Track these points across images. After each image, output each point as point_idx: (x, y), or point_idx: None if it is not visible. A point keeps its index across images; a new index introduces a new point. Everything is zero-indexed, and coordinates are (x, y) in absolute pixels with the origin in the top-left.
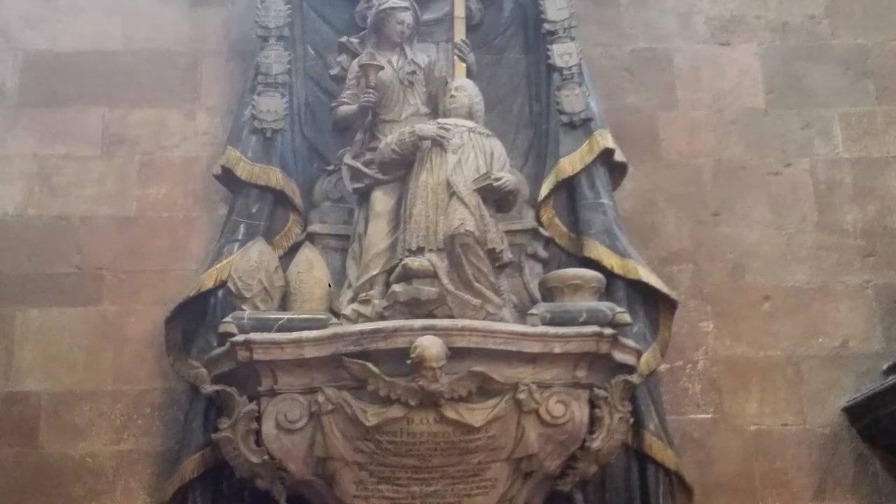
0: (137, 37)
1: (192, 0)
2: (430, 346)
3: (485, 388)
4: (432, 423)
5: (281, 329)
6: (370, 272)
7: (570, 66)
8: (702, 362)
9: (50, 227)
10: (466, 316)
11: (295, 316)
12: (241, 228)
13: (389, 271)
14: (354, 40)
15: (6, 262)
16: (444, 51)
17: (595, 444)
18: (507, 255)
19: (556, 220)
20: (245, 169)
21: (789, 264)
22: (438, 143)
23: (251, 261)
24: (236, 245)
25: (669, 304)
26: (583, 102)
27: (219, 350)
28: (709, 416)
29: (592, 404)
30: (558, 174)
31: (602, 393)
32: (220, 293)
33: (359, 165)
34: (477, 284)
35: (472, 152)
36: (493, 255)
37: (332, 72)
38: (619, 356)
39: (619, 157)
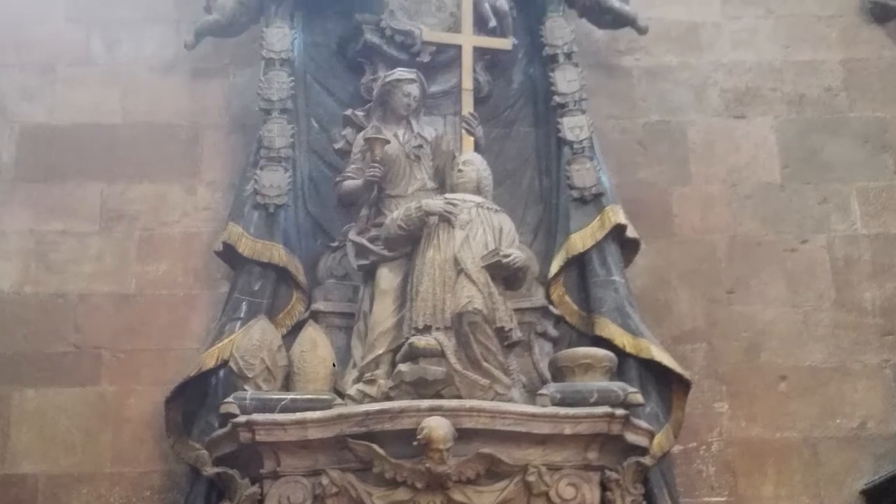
0: (137, 109)
1: (192, 72)
2: (438, 427)
3: (493, 471)
4: None
5: (284, 410)
6: (376, 351)
7: (581, 140)
8: (716, 444)
9: (47, 304)
10: (474, 396)
11: (298, 396)
12: (244, 306)
13: (395, 350)
14: (359, 113)
15: (1, 341)
16: (452, 124)
17: None
18: (517, 334)
19: (567, 298)
20: (247, 245)
21: (806, 343)
22: (446, 219)
23: (253, 340)
24: (238, 323)
25: (683, 384)
26: (594, 177)
27: (220, 431)
28: (724, 499)
29: (604, 487)
30: (569, 251)
31: (614, 475)
32: (221, 373)
33: (364, 242)
34: (485, 364)
35: (481, 228)
36: (501, 333)
37: (337, 145)
38: (632, 437)
39: (631, 233)
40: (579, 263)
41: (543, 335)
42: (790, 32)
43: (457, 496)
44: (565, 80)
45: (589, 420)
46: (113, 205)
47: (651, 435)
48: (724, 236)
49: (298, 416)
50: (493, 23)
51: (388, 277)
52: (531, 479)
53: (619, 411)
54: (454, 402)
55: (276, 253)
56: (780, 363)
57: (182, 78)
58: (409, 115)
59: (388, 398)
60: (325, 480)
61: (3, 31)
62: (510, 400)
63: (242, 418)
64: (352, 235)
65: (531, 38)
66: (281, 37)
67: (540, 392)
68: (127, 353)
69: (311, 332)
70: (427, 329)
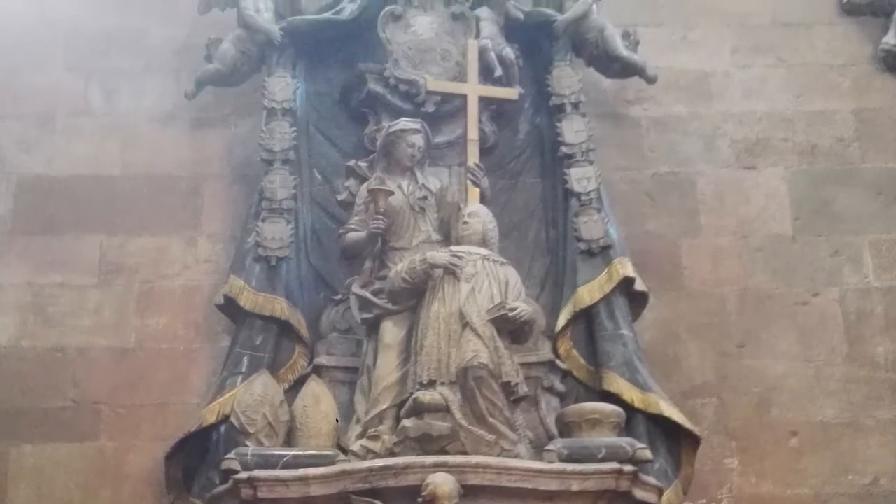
0: (136, 160)
1: (192, 122)
2: (443, 483)
3: None
4: None
5: (286, 466)
6: (379, 406)
7: (589, 191)
8: (726, 500)
9: (45, 358)
10: (480, 452)
11: (301, 452)
12: (245, 361)
13: (400, 405)
14: (363, 164)
15: None
16: (457, 175)
17: None
18: (523, 389)
19: (574, 352)
20: (249, 298)
21: (817, 398)
22: (451, 272)
23: (255, 394)
24: (240, 378)
25: (692, 440)
26: (602, 229)
27: (221, 488)
28: None
29: None
30: (576, 304)
31: None
32: (222, 428)
33: (367, 295)
34: (491, 419)
35: (486, 281)
36: (507, 388)
37: (340, 197)
38: (640, 494)
39: (639, 286)
40: (587, 317)
41: (550, 390)
42: (801, 81)
43: None
44: (573, 130)
45: (597, 476)
46: (112, 257)
47: (660, 491)
48: (735, 289)
49: (301, 472)
50: (498, 72)
51: (392, 331)
52: None
53: (628, 467)
54: (459, 458)
55: (278, 306)
56: (791, 418)
57: (182, 128)
58: (414, 166)
59: (392, 454)
60: None
61: (0, 81)
62: (516, 456)
63: (244, 474)
64: (355, 288)
65: (538, 87)
66: (283, 86)
67: (547, 448)
68: (126, 408)
69: (314, 387)
70: (432, 384)
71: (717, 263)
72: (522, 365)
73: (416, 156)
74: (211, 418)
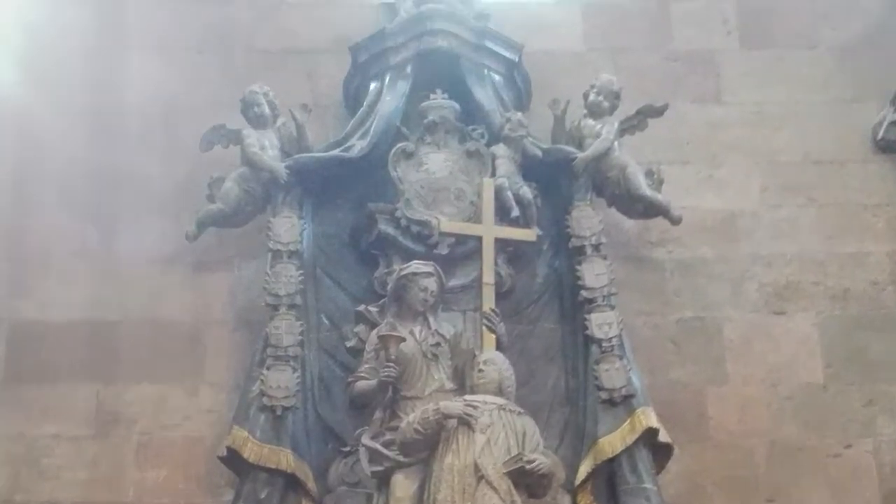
0: (135, 305)
1: (194, 265)
2: None
3: None
4: None
5: None
6: None
7: (610, 338)
8: None
9: None
10: None
11: None
12: None
13: None
14: (373, 309)
15: None
16: (472, 320)
17: None
18: None
19: None
20: (253, 450)
21: None
22: (465, 423)
23: None
24: None
25: None
26: (624, 377)
27: None
28: None
29: None
30: (597, 456)
31: None
32: None
33: (378, 447)
34: None
35: (503, 432)
36: None
37: (349, 343)
38: None
39: (663, 437)
40: (608, 469)
41: None
42: (834, 222)
43: None
44: (593, 273)
45: None
46: (109, 407)
47: None
48: (764, 440)
49: None
50: (515, 212)
51: (403, 485)
52: None
53: None
54: None
55: (284, 458)
56: None
57: (184, 272)
58: (426, 311)
59: None
60: None
61: None
62: None
63: None
64: (365, 440)
65: (557, 228)
66: (289, 227)
67: None
68: None
69: None
70: None
71: (745, 413)
72: None
73: (429, 300)
74: None
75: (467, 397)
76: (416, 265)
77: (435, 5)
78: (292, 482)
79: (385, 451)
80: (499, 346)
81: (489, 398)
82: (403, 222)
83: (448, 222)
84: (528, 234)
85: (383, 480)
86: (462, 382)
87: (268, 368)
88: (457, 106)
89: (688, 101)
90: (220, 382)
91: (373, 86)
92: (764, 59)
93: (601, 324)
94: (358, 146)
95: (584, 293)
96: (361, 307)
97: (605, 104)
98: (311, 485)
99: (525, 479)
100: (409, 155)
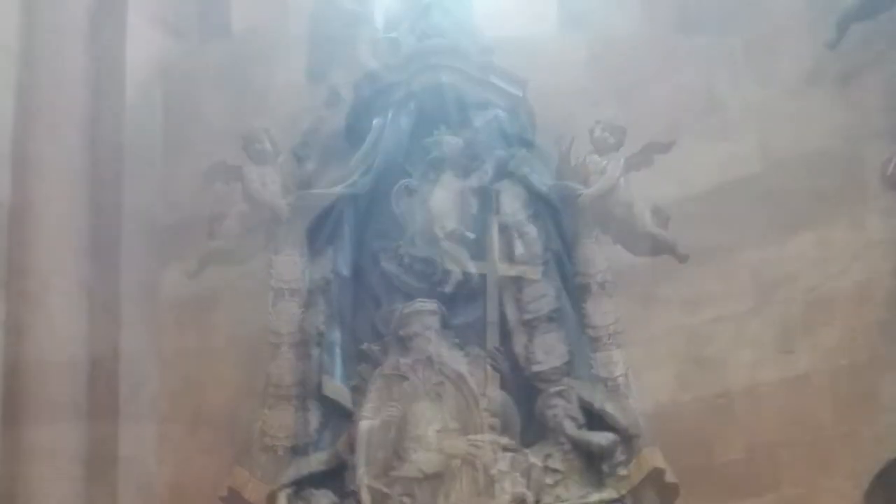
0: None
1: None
2: None
3: None
4: None
5: None
6: None
7: (616, 377)
8: None
9: None
10: None
11: None
12: None
13: None
14: (375, 347)
15: None
16: (476, 359)
17: None
18: None
19: None
20: (254, 490)
21: None
22: (469, 462)
23: None
24: None
25: None
26: (630, 416)
27: None
28: None
29: None
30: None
31: None
32: None
33: (381, 487)
34: None
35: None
36: None
37: (352, 383)
38: None
39: (669, 477)
40: None
41: None
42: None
43: None
44: (599, 311)
45: None
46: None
47: None
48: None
49: None
50: (520, 249)
51: None
52: None
53: None
54: None
55: (285, 499)
56: None
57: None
58: (430, 350)
59: None
60: None
61: None
62: None
63: None
64: (368, 480)
65: (562, 266)
66: (290, 265)
67: None
68: None
69: None
70: None
71: (752, 454)
72: None
73: (432, 339)
74: None
75: (470, 437)
76: (419, 303)
77: (438, 40)
78: None
79: (388, 490)
80: (503, 385)
81: (493, 437)
82: (406, 260)
83: (451, 260)
84: (533, 272)
85: None
86: (466, 422)
87: (269, 408)
88: (460, 142)
89: (693, 137)
90: (217, 421)
91: (375, 121)
92: (770, 95)
93: (607, 363)
94: (360, 182)
95: (589, 332)
96: (364, 345)
97: (611, 140)
98: None
99: None
100: (411, 192)
